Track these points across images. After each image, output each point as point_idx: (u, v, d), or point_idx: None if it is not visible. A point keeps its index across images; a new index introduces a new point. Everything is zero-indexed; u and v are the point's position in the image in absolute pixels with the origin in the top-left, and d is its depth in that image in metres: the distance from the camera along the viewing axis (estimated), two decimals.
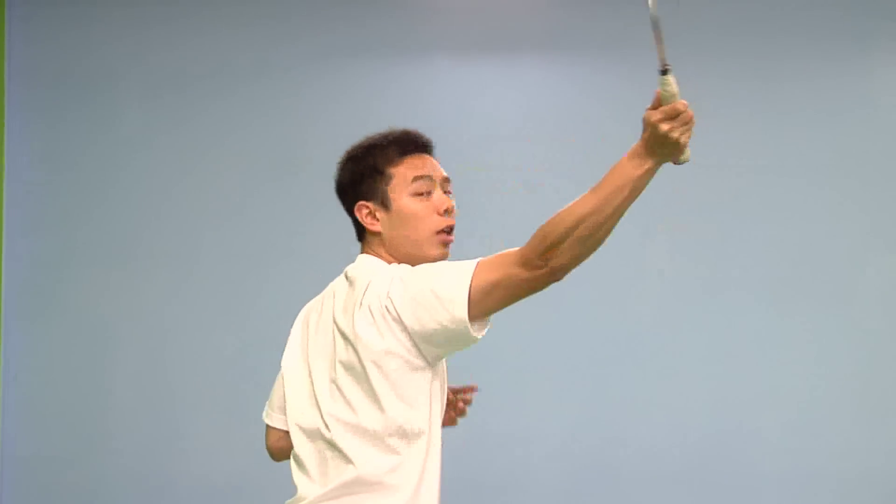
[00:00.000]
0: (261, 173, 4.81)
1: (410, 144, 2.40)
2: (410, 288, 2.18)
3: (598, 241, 2.08)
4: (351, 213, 2.42)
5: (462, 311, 2.12)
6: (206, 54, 4.86)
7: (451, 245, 2.38)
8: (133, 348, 4.77)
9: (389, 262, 2.33)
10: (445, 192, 2.40)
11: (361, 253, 2.41)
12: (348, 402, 2.24)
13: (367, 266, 2.34)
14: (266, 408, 2.55)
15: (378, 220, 2.37)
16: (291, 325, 2.51)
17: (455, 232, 2.41)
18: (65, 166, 4.85)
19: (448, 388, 2.54)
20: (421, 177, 2.36)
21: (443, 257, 2.36)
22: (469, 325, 2.13)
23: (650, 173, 2.06)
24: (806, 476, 4.66)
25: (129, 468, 4.73)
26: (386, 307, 2.19)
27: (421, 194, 2.36)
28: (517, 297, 2.15)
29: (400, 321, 2.18)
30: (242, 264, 4.77)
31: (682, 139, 2.02)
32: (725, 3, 4.83)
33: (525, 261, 2.10)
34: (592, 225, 2.05)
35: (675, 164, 2.08)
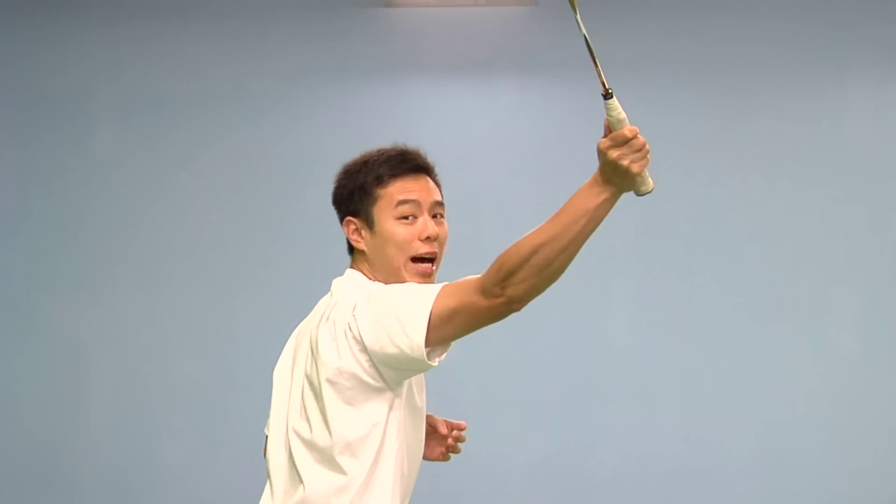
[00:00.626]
0: (236, 195, 4.80)
1: (404, 165, 2.36)
2: (375, 309, 2.16)
3: (555, 271, 2.04)
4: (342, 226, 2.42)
5: (420, 338, 2.10)
6: (181, 75, 4.84)
7: (433, 273, 2.34)
8: (108, 372, 4.73)
9: (372, 280, 2.33)
10: (435, 217, 2.36)
11: (350, 267, 2.40)
12: (307, 418, 2.24)
13: (347, 280, 2.33)
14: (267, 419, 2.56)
15: (363, 238, 2.35)
16: (263, 349, 2.51)
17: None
18: (39, 188, 4.82)
19: (444, 421, 2.54)
20: (406, 201, 2.32)
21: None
22: (425, 353, 2.11)
23: (608, 203, 2.01)
24: (777, 499, 4.66)
25: (104, 490, 4.69)
26: (349, 324, 2.18)
27: (405, 217, 2.32)
28: (477, 325, 2.12)
29: (360, 341, 2.16)
30: (217, 288, 4.74)
31: (634, 167, 1.97)
32: (696, 31, 4.86)
33: (483, 289, 2.07)
34: (549, 254, 2.02)
35: (637, 195, 2.02)
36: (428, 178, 2.39)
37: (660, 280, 4.76)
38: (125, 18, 4.87)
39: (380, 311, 2.15)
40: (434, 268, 2.35)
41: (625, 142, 1.96)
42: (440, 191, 2.41)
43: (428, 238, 2.32)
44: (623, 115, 1.97)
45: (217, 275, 4.75)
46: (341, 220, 2.40)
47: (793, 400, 4.71)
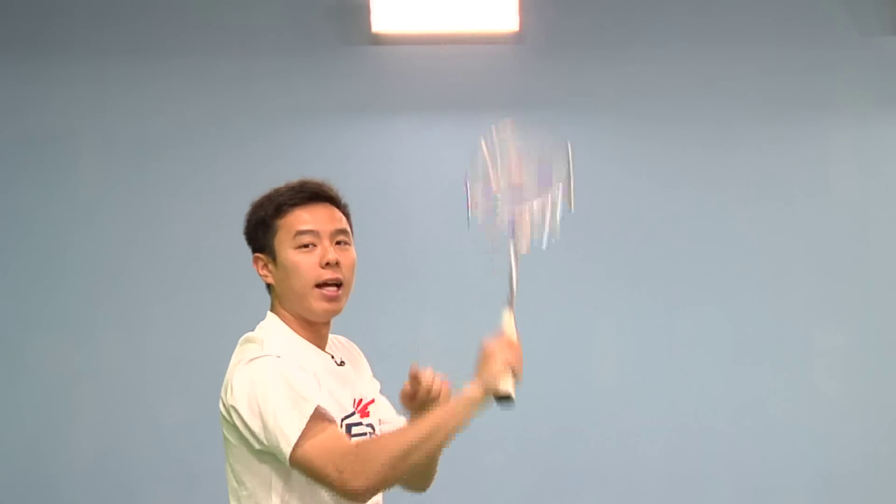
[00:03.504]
0: (221, 234, 4.76)
1: (301, 194, 2.35)
2: (253, 405, 2.18)
3: (413, 474, 2.14)
4: None
5: (285, 454, 2.14)
6: (164, 113, 4.82)
7: (339, 296, 2.32)
8: (91, 412, 4.68)
9: (286, 317, 2.34)
10: (338, 244, 2.34)
11: (270, 309, 2.40)
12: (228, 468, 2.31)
13: (256, 338, 2.34)
14: None
15: (270, 272, 2.36)
16: None
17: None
18: (20, 226, 4.79)
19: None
20: (304, 231, 2.31)
21: (327, 311, 2.32)
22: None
23: (473, 414, 2.13)
24: None
25: None
26: (230, 406, 2.22)
27: (305, 246, 2.31)
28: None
29: (238, 415, 2.21)
30: (201, 326, 4.70)
31: (518, 369, 2.15)
32: (680, 69, 4.88)
33: (339, 469, 2.09)
34: (416, 461, 2.10)
35: (497, 398, 2.13)
36: (330, 206, 2.37)
37: (643, 320, 4.75)
38: (107, 55, 4.84)
39: (258, 412, 2.17)
40: (340, 292, 2.32)
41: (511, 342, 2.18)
42: (347, 220, 2.39)
43: (328, 264, 2.30)
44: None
45: (201, 314, 4.72)
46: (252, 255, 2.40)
47: (776, 440, 4.71)
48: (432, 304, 4.63)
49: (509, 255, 2.30)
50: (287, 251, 2.31)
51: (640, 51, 4.88)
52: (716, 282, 4.77)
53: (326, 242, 2.32)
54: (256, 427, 2.16)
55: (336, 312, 2.34)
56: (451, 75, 4.87)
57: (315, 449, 2.11)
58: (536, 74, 4.87)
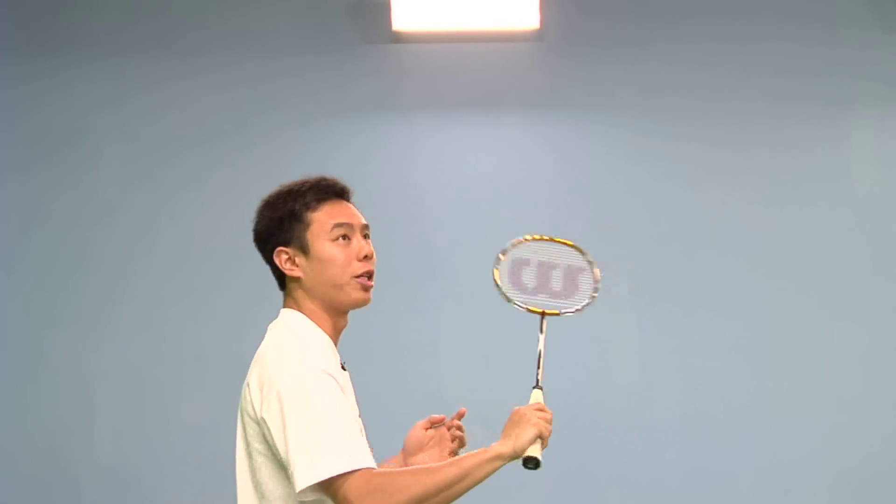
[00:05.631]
0: (240, 233, 4.75)
1: (328, 191, 2.41)
2: (283, 419, 2.17)
3: None
4: (270, 261, 2.43)
5: (304, 485, 2.12)
6: (185, 111, 4.83)
7: (371, 290, 2.38)
8: (111, 409, 4.69)
9: (311, 311, 2.35)
10: (365, 238, 2.40)
11: (284, 306, 2.41)
12: (247, 476, 2.29)
13: (277, 328, 2.35)
14: None
15: (297, 265, 2.37)
16: None
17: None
18: (42, 225, 4.80)
19: (425, 422, 2.59)
20: (340, 224, 2.36)
21: (363, 300, 2.36)
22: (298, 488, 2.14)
23: (495, 470, 2.24)
24: None
25: None
26: (262, 418, 2.21)
27: (341, 238, 2.36)
28: None
29: (265, 424, 2.20)
30: (220, 324, 4.71)
31: (545, 433, 2.26)
32: (701, 67, 4.87)
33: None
34: (434, 502, 2.13)
35: (524, 463, 2.23)
36: (351, 203, 2.44)
37: (663, 318, 4.74)
38: (128, 53, 4.86)
39: (285, 431, 2.15)
40: (371, 283, 2.38)
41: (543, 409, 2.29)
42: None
43: (366, 257, 2.36)
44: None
45: (220, 312, 4.73)
46: (270, 253, 2.42)
47: (796, 438, 4.68)
48: (451, 303, 4.63)
49: (540, 339, 2.45)
50: (323, 243, 2.35)
51: (660, 49, 4.86)
52: (735, 280, 4.75)
53: (359, 236, 2.38)
54: (280, 439, 2.15)
55: (368, 302, 2.38)
56: (471, 73, 4.87)
57: (350, 484, 2.11)
58: (557, 72, 4.86)
